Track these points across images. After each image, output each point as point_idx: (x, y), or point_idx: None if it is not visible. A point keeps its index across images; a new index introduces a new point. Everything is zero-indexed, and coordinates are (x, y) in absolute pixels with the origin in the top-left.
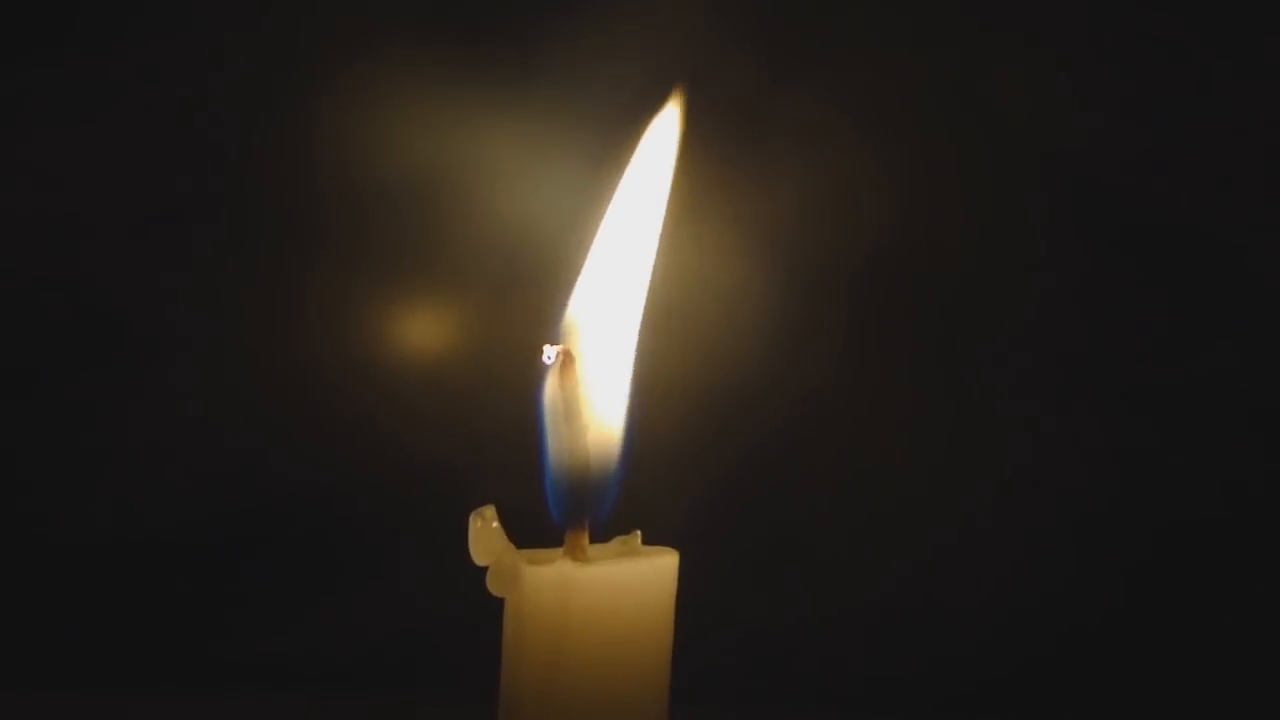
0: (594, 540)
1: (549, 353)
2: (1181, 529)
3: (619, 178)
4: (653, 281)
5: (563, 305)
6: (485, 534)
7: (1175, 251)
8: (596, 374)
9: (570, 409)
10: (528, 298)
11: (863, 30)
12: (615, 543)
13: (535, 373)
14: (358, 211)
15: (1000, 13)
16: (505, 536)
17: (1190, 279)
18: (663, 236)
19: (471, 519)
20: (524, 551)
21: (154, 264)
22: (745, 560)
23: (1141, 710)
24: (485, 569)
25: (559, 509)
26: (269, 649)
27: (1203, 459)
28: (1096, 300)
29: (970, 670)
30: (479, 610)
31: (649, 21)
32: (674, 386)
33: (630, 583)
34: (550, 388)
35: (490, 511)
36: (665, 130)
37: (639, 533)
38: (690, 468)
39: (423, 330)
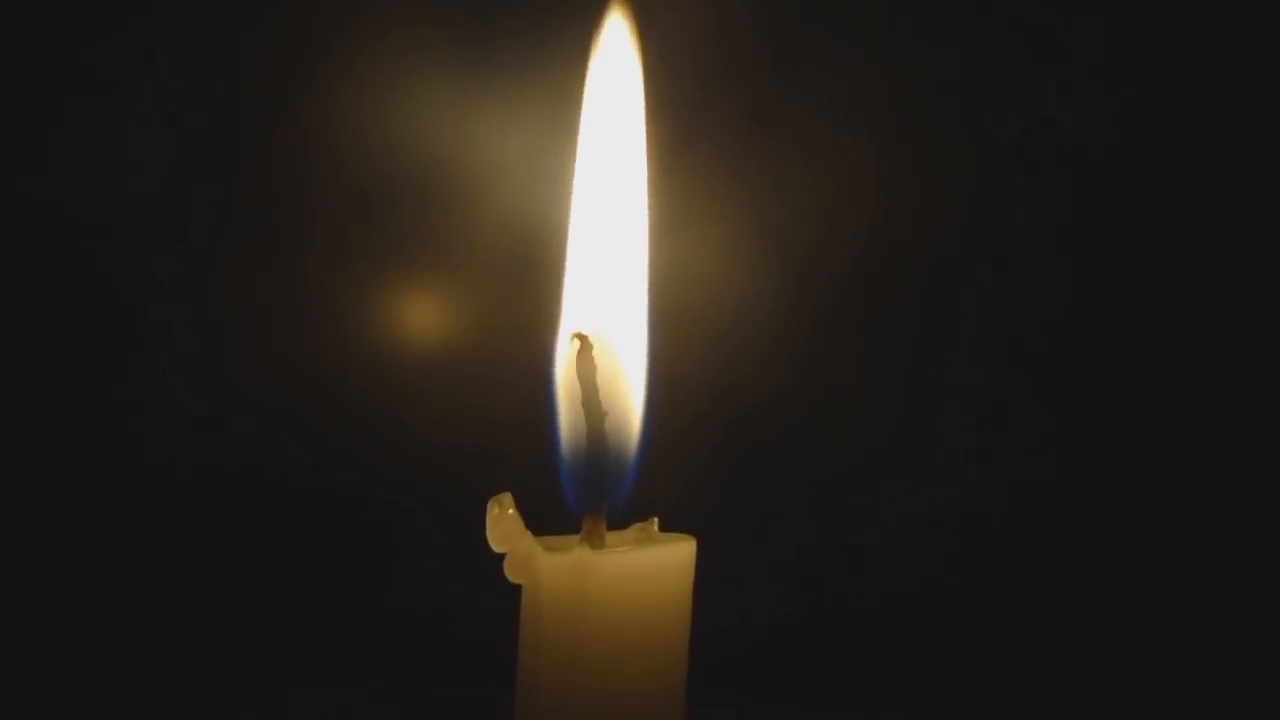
0: (612, 527)
1: (567, 339)
2: (1177, 521)
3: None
4: (657, 266)
5: (571, 288)
6: (503, 521)
7: (1173, 244)
8: (614, 360)
9: (588, 395)
10: (539, 285)
11: (864, 30)
12: (633, 529)
13: (547, 360)
14: (366, 201)
15: (998, 9)
16: (523, 523)
17: (1187, 271)
18: (662, 221)
19: (489, 506)
20: (542, 538)
21: (169, 257)
22: (760, 549)
23: (1145, 701)
24: (503, 556)
25: (575, 495)
26: (285, 640)
27: (1199, 452)
28: (1097, 294)
29: (979, 662)
30: (497, 597)
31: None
32: (690, 377)
33: (648, 569)
34: (567, 374)
35: (508, 499)
36: (615, 53)
37: (656, 519)
38: (707, 456)
39: (436, 320)
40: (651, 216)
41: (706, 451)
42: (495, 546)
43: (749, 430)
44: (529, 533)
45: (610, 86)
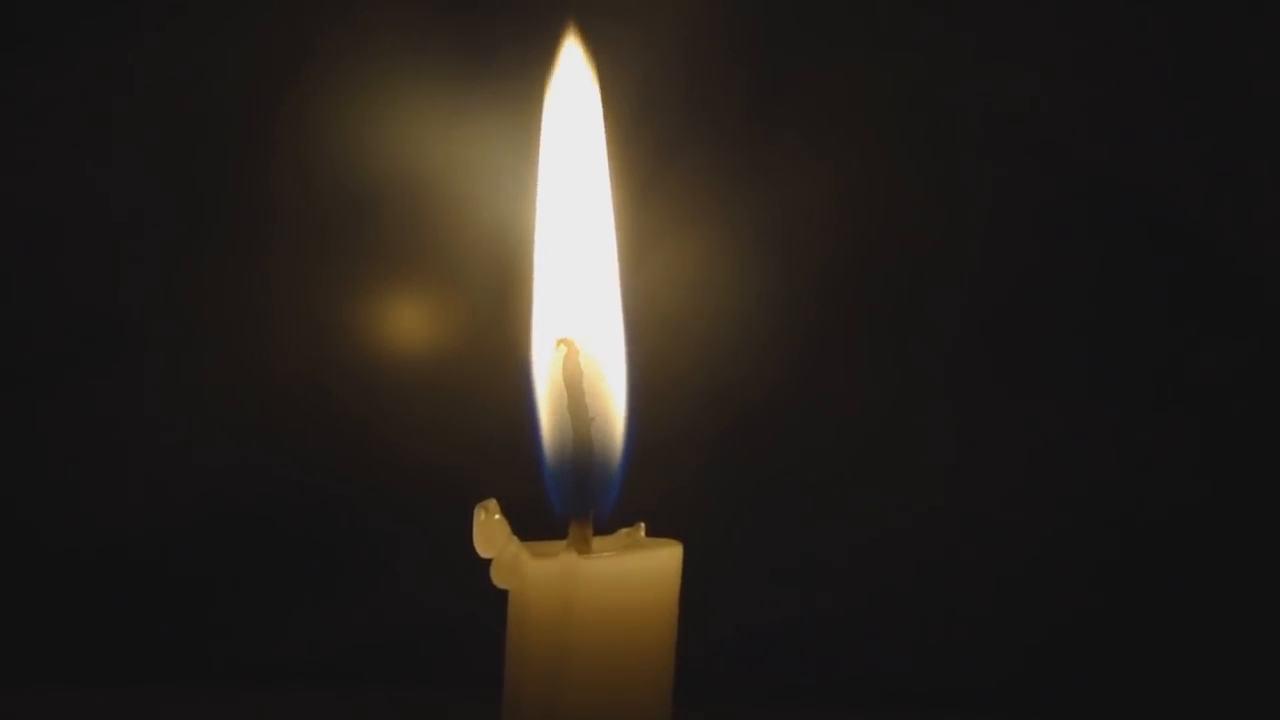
0: (598, 532)
1: (551, 344)
2: (1172, 522)
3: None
4: (633, 269)
5: (545, 295)
6: (489, 526)
7: (1161, 243)
8: (598, 365)
9: (574, 400)
10: (523, 293)
11: (845, 36)
12: (620, 535)
13: (530, 365)
14: (350, 212)
15: (981, 11)
16: (509, 529)
17: (1174, 268)
18: (650, 228)
19: (476, 512)
20: (528, 544)
21: (148, 267)
22: (747, 553)
23: (1142, 704)
24: (489, 561)
25: (561, 501)
26: (269, 648)
27: (1192, 453)
28: (1086, 294)
29: (971, 666)
30: (484, 603)
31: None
32: (677, 381)
33: (634, 575)
34: (552, 379)
35: (493, 504)
36: (572, 78)
37: (643, 524)
38: (695, 460)
39: (421, 328)
40: (628, 223)
41: (694, 456)
42: (481, 552)
43: (736, 435)
44: (515, 538)
45: (567, 103)
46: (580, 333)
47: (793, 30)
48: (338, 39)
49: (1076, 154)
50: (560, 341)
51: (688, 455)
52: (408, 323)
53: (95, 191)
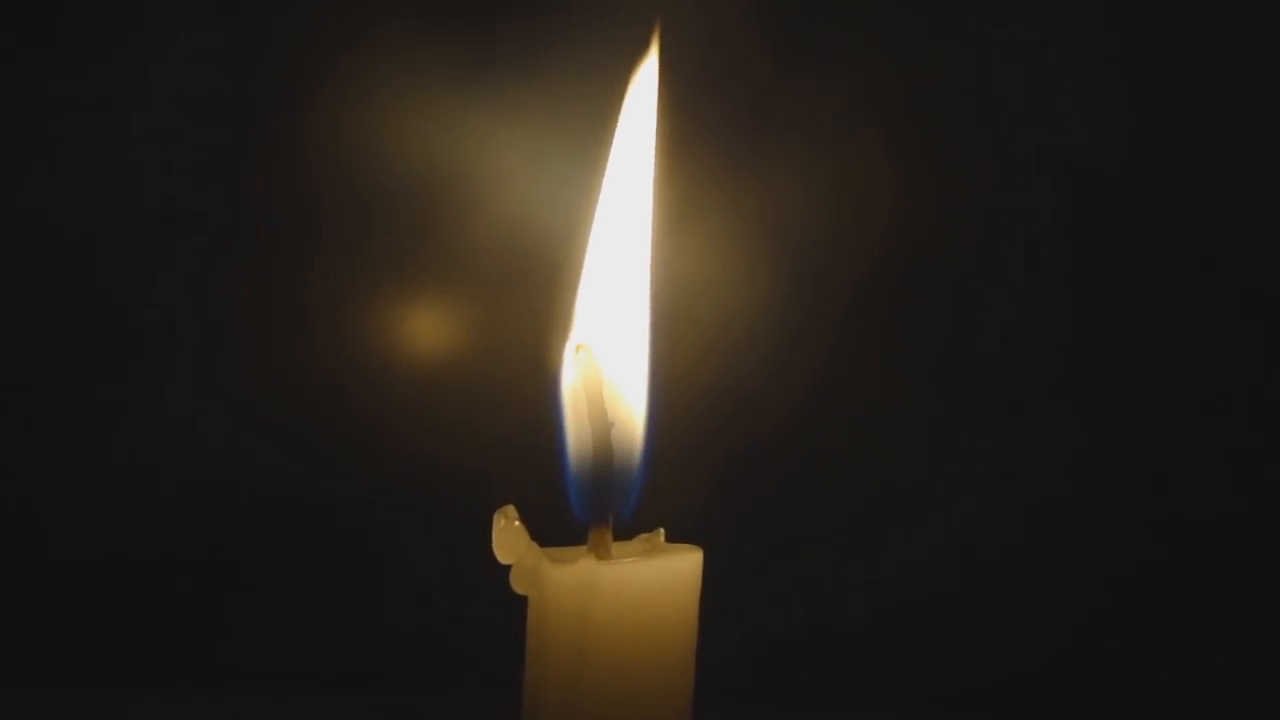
0: (618, 538)
1: (572, 349)
2: (1180, 528)
3: (608, 152)
4: (659, 273)
5: (574, 300)
6: (508, 533)
7: (1178, 249)
8: (617, 370)
9: (594, 406)
10: (539, 295)
11: (868, 29)
12: (639, 540)
13: (552, 370)
14: (363, 212)
15: (1006, 10)
16: (528, 535)
17: (1192, 277)
18: (664, 227)
19: (495, 518)
20: (547, 550)
21: (167, 269)
22: (767, 559)
23: (1142, 711)
24: (509, 567)
25: (581, 507)
26: (285, 652)
27: (1202, 458)
28: (1098, 300)
29: (987, 675)
30: (503, 609)
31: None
32: (697, 386)
33: (654, 581)
34: (573, 384)
35: (512, 510)
36: (646, 81)
37: (662, 530)
38: (715, 466)
39: (437, 331)
40: (657, 225)
41: (714, 462)
42: (501, 558)
43: (756, 440)
44: (534, 544)
45: (640, 114)
46: (601, 337)
47: (816, 26)
48: (357, 46)
49: (1103, 162)
50: (579, 347)
51: (708, 461)
52: (426, 325)
53: (115, 198)
